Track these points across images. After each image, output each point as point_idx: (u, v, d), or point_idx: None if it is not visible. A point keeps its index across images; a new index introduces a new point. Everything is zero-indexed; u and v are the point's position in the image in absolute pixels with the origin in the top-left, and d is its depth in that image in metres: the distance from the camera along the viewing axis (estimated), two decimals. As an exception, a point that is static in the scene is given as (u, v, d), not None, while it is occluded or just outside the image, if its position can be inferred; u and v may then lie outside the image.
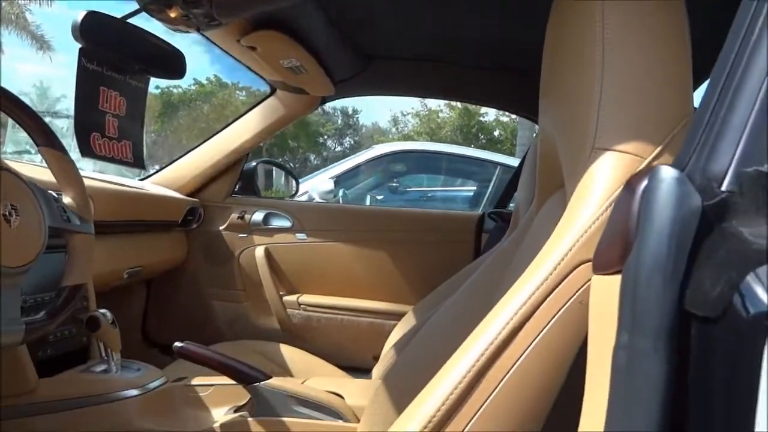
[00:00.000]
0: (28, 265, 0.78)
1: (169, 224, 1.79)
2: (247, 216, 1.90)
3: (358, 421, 0.99)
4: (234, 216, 1.90)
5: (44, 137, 0.90)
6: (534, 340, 0.47)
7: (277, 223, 1.91)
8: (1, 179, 0.77)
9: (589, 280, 0.47)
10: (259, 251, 1.87)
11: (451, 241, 1.85)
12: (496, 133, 17.05)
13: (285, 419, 0.98)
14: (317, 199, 3.58)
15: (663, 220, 0.37)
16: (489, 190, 4.16)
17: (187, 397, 1.09)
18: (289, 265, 1.89)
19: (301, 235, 1.89)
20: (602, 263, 0.45)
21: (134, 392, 1.06)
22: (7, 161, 1.11)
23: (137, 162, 1.19)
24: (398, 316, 1.71)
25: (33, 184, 0.86)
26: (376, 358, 1.55)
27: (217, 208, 1.93)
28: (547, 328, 0.47)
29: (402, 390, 0.85)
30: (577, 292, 0.47)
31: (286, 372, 1.51)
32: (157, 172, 1.95)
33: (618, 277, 0.40)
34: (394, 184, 4.92)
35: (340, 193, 3.95)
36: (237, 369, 1.02)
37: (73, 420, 1.04)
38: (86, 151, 1.04)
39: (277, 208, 1.93)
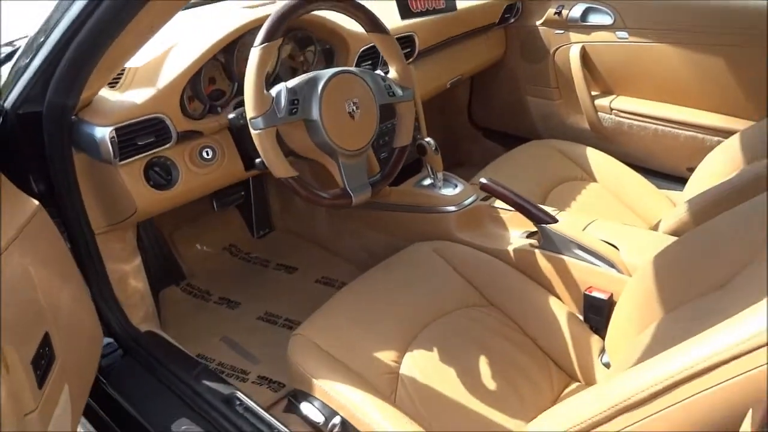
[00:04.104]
0: (367, 144, 1.04)
1: (487, 27, 1.87)
2: (564, 11, 1.82)
3: (629, 275, 1.10)
4: (551, 11, 1.84)
5: (370, 23, 1.07)
6: None
7: (596, 19, 1.78)
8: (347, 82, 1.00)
9: None
10: (574, 50, 1.82)
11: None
12: None
13: (565, 258, 1.16)
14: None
15: None
16: None
17: (492, 216, 1.34)
18: (605, 66, 1.81)
19: (622, 34, 1.74)
20: None
21: (452, 208, 1.36)
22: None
23: (449, 5, 1.28)
24: (726, 133, 1.56)
25: (364, 71, 1.07)
26: (691, 170, 1.51)
27: (536, 3, 1.89)
28: None
29: (673, 286, 0.86)
30: None
31: (589, 176, 1.62)
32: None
33: None
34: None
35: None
36: (529, 210, 1.19)
37: (408, 220, 1.42)
38: (405, 13, 1.19)
39: (599, 2, 1.78)
